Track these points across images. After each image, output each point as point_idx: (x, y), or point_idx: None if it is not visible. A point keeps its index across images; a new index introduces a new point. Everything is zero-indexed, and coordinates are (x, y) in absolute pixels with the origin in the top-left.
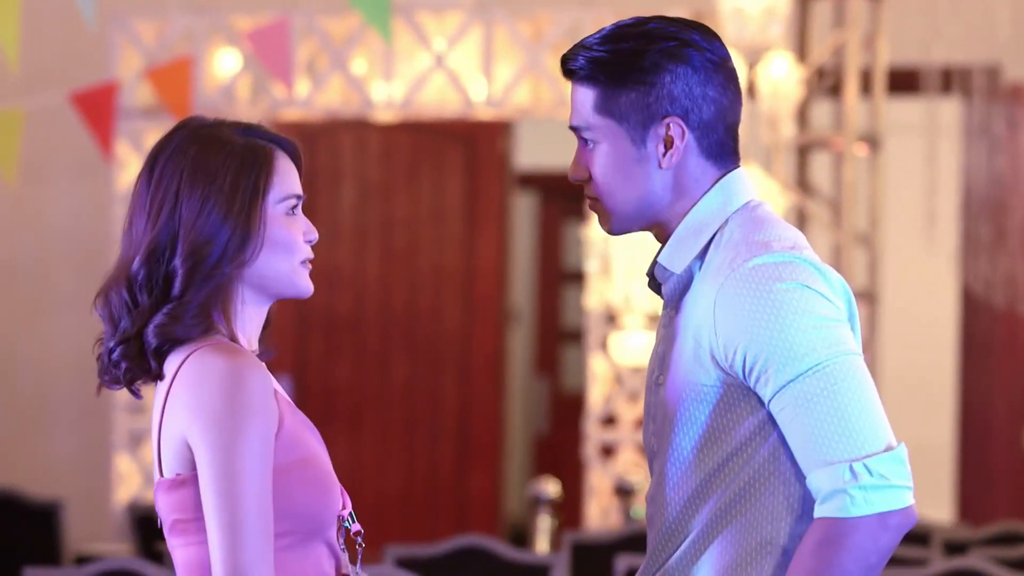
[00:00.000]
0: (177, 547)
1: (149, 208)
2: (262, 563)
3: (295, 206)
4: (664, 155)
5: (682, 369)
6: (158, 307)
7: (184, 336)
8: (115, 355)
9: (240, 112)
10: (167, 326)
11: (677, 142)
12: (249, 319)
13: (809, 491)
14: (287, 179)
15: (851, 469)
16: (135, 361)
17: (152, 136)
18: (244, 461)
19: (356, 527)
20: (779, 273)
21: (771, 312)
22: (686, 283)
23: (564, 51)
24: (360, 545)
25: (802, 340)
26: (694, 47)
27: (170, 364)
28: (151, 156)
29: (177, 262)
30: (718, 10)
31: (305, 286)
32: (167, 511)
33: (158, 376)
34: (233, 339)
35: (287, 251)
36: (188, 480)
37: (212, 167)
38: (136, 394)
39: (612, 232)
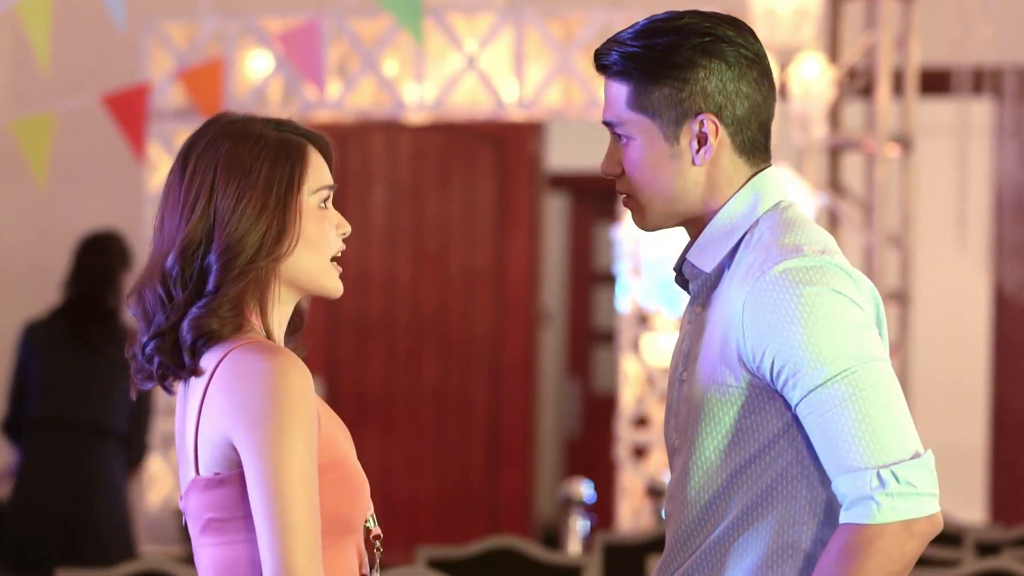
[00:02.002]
0: (208, 546)
1: (183, 203)
2: (313, 563)
3: (327, 198)
4: (698, 152)
5: (707, 368)
6: (193, 301)
7: (220, 330)
8: (148, 349)
9: (271, 114)
10: (202, 319)
11: (711, 139)
12: (280, 315)
13: (833, 496)
14: (320, 171)
15: (878, 476)
16: (168, 356)
17: (184, 138)
18: (292, 461)
19: (376, 531)
20: (809, 277)
21: (800, 316)
22: (714, 281)
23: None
24: (378, 549)
25: (831, 345)
26: (728, 42)
27: (206, 361)
28: (183, 152)
29: (212, 257)
30: (749, 11)
31: (334, 286)
32: (201, 509)
33: (193, 372)
34: (268, 335)
35: (320, 246)
36: (228, 479)
37: (247, 161)
38: (169, 390)
39: (646, 229)
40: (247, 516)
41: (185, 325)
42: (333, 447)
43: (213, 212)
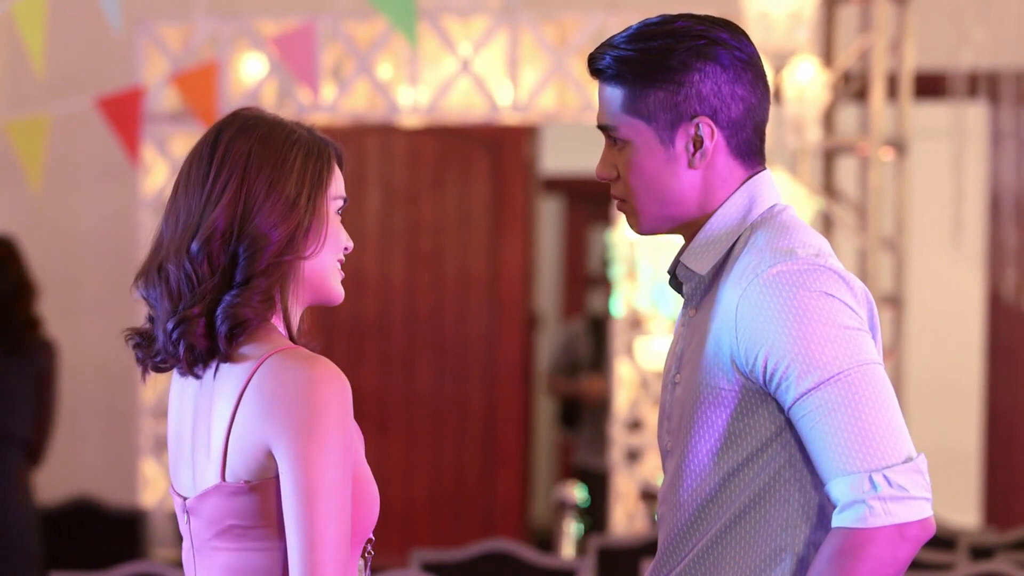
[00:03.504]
0: (226, 550)
1: (211, 187)
2: (341, 573)
3: (341, 208)
4: (694, 155)
5: (701, 370)
6: (223, 288)
7: (253, 318)
8: (175, 334)
9: None
10: (238, 308)
11: (707, 142)
12: (298, 315)
13: (826, 500)
14: (339, 180)
15: (870, 479)
16: (201, 340)
17: (178, 141)
18: (331, 474)
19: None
20: (803, 280)
21: (794, 319)
22: (708, 284)
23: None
24: (369, 553)
25: (824, 349)
26: (722, 45)
27: (239, 361)
28: (213, 134)
29: (242, 246)
30: (744, 14)
31: (339, 291)
32: (222, 515)
33: (228, 358)
34: (291, 335)
35: (336, 250)
36: (257, 488)
37: (281, 152)
38: (197, 375)
39: (641, 232)
40: (273, 525)
41: (220, 313)
42: (355, 461)
43: (244, 198)
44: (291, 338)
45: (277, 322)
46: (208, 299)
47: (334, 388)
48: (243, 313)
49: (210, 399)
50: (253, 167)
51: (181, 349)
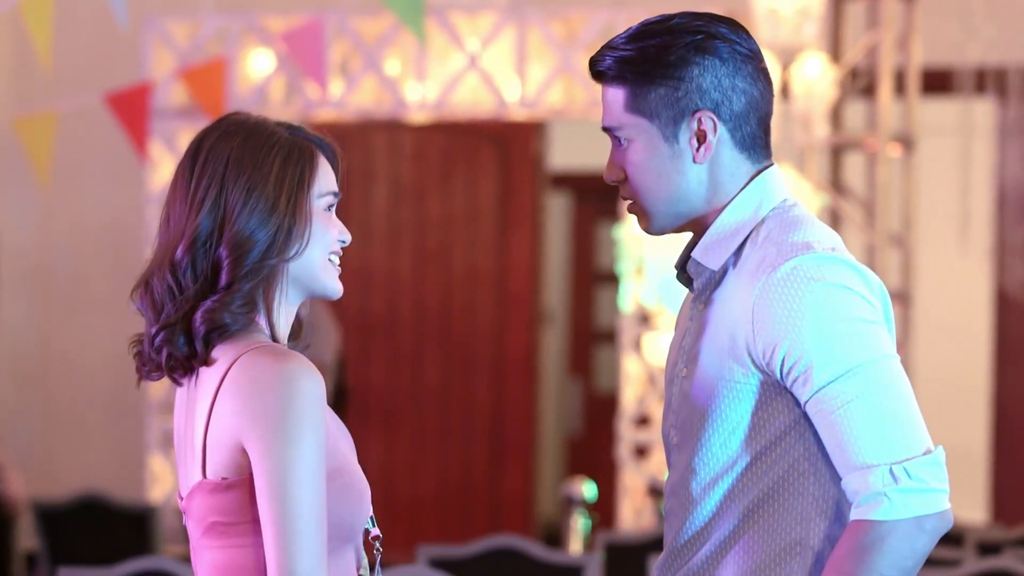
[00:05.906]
0: (212, 548)
1: (193, 194)
2: (318, 568)
3: (332, 204)
4: (698, 149)
5: (713, 364)
6: (204, 294)
7: (231, 323)
8: (157, 341)
9: (273, 112)
10: (215, 312)
11: (710, 136)
12: (285, 315)
13: (842, 494)
14: (327, 176)
15: (891, 472)
16: (178, 347)
17: (186, 136)
18: (302, 467)
19: (375, 532)
20: (820, 273)
21: (811, 313)
22: (719, 278)
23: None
24: (378, 550)
25: (842, 342)
26: (721, 39)
27: (217, 357)
28: (195, 142)
29: (222, 251)
30: (752, 11)
31: (335, 287)
32: (205, 512)
33: (204, 362)
34: (274, 335)
35: (324, 248)
36: (236, 484)
37: (259, 156)
38: (177, 382)
39: (651, 232)
40: (253, 521)
41: (198, 317)
42: (336, 453)
43: (223, 204)
44: (274, 338)
45: (261, 322)
46: (189, 306)
47: (304, 382)
48: (221, 318)
49: (193, 402)
50: (232, 172)
51: (163, 356)
